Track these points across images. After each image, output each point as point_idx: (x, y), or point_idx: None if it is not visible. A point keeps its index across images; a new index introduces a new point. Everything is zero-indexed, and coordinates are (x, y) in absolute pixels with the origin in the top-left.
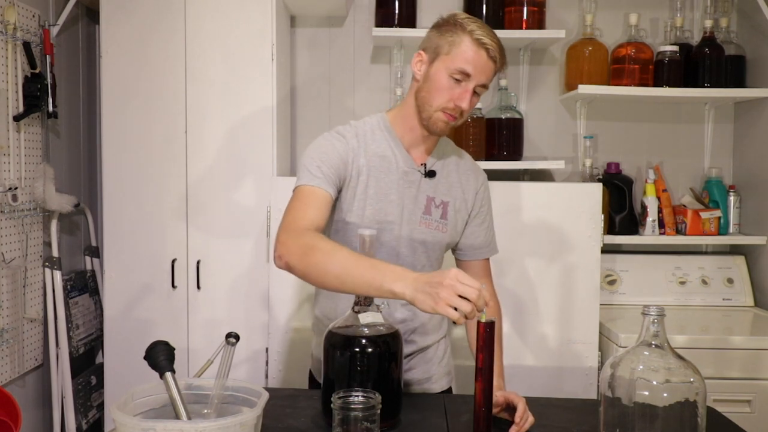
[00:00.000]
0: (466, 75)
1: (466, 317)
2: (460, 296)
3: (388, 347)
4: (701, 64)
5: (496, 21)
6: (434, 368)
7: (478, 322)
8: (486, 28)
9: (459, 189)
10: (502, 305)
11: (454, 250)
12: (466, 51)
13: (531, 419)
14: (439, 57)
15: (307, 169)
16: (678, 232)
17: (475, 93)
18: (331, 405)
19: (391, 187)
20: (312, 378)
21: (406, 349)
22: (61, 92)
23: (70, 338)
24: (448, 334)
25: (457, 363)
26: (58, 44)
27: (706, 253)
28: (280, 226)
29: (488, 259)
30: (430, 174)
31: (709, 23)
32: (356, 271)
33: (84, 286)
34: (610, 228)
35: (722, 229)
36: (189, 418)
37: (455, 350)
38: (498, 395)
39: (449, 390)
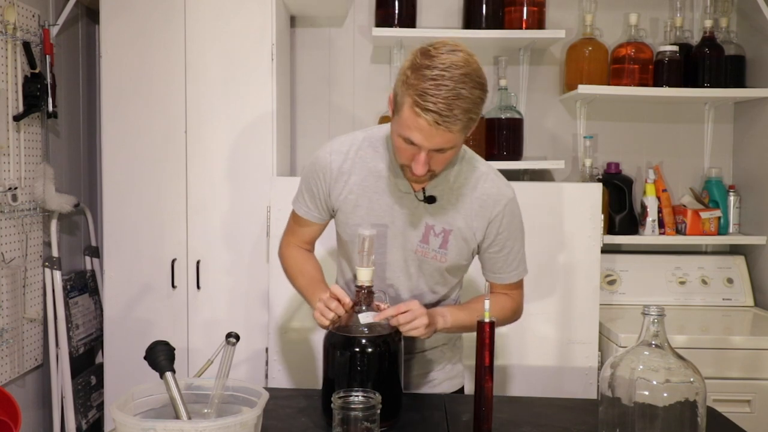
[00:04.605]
0: (412, 142)
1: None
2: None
3: (388, 347)
4: (701, 64)
5: (496, 21)
6: (433, 373)
7: (481, 322)
8: (449, 75)
9: (465, 217)
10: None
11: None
12: (407, 117)
13: (414, 323)
14: (395, 113)
15: (298, 191)
16: (678, 232)
17: (440, 152)
18: (331, 405)
19: (384, 210)
20: None
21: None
22: (61, 92)
23: (69, 338)
24: (457, 342)
25: None
26: (58, 44)
27: (705, 253)
28: (282, 235)
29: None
30: (430, 200)
31: (709, 23)
32: (297, 285)
33: (84, 286)
34: (610, 228)
35: (722, 229)
36: (189, 418)
37: None
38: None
39: (461, 390)
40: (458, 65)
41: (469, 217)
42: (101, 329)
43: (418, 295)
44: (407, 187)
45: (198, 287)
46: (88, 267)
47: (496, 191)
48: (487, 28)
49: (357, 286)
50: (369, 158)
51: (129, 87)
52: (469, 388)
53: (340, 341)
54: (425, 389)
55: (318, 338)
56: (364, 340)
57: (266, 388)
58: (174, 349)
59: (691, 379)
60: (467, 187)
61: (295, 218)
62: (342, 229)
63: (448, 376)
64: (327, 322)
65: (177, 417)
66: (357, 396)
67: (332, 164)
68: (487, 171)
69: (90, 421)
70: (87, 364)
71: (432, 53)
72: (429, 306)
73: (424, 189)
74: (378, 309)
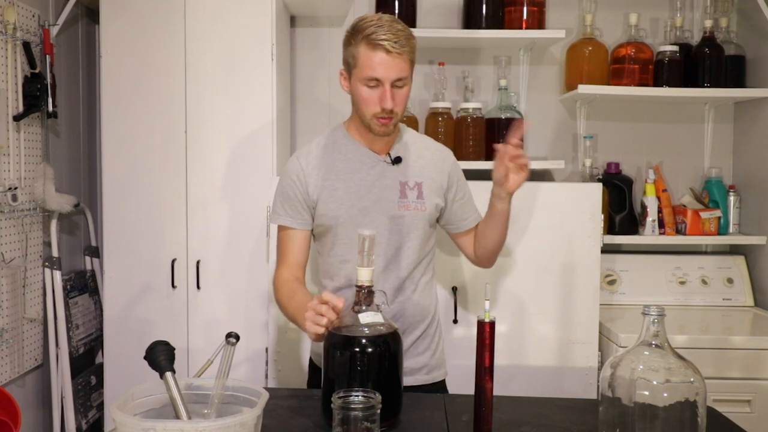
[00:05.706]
0: (377, 80)
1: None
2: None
3: (388, 347)
4: (701, 64)
5: (496, 21)
6: (422, 358)
7: (481, 322)
8: (383, 20)
9: (428, 171)
10: (502, 306)
11: (446, 228)
12: (366, 58)
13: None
14: (352, 71)
15: (276, 206)
16: (678, 232)
17: (397, 87)
18: (331, 405)
19: (359, 184)
20: (312, 365)
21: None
22: (61, 92)
23: (69, 338)
24: (439, 328)
25: (456, 363)
26: (57, 44)
27: (705, 253)
28: (274, 271)
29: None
30: (397, 160)
31: (709, 23)
32: (288, 313)
33: (84, 286)
34: (610, 228)
35: (722, 229)
36: (189, 418)
37: (456, 350)
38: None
39: (443, 383)
40: (385, 17)
41: (430, 171)
42: (101, 329)
43: (409, 251)
44: (373, 157)
45: (198, 287)
46: (88, 267)
47: (440, 148)
48: (487, 28)
49: (357, 286)
50: (331, 149)
51: (129, 87)
52: (469, 388)
53: (340, 341)
54: (418, 376)
55: None
56: (364, 340)
57: (266, 388)
58: (174, 349)
59: (692, 379)
60: (419, 148)
61: (280, 238)
62: (325, 219)
63: (437, 363)
64: (321, 329)
65: (177, 417)
66: (357, 396)
67: (301, 164)
68: (425, 137)
69: (90, 421)
70: (87, 364)
71: (362, 18)
72: (410, 278)
73: (389, 154)
74: (378, 309)
